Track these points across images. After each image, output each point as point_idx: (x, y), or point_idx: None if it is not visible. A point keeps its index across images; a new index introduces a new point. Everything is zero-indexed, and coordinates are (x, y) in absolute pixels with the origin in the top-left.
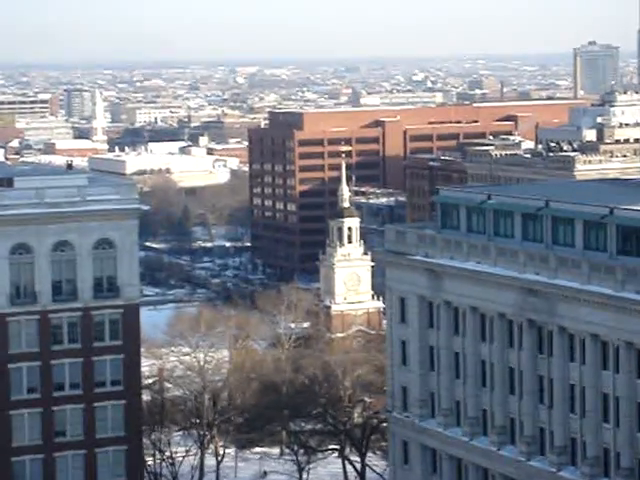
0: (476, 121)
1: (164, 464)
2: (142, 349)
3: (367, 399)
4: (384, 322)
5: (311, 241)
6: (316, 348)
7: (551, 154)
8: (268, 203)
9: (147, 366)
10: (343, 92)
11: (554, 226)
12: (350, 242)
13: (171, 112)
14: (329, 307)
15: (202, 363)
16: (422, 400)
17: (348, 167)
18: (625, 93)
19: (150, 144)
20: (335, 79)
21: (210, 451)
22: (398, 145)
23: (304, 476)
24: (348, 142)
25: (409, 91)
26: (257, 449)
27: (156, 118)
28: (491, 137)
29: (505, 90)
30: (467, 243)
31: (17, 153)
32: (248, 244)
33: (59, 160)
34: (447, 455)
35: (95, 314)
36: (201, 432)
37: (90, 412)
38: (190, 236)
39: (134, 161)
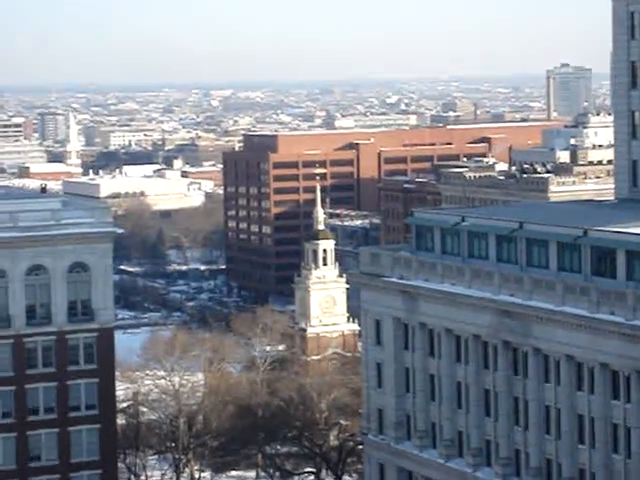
0: (450, 143)
1: None
2: (117, 373)
3: (343, 422)
4: (359, 344)
5: (286, 263)
6: (291, 371)
7: (525, 176)
8: (243, 226)
9: (122, 390)
10: (317, 115)
11: (528, 247)
12: (325, 264)
13: (145, 135)
14: (304, 330)
15: (177, 387)
16: (398, 422)
17: (323, 189)
18: (598, 115)
19: (124, 167)
20: (309, 102)
21: (186, 475)
22: (372, 167)
23: None
24: (322, 164)
25: (383, 113)
26: (233, 473)
27: (130, 141)
28: (465, 159)
29: (479, 112)
30: (442, 265)
31: None
32: (223, 267)
33: (33, 184)
34: (423, 477)
35: (69, 338)
36: (176, 456)
37: (65, 436)
38: (165, 259)
39: (108, 184)
